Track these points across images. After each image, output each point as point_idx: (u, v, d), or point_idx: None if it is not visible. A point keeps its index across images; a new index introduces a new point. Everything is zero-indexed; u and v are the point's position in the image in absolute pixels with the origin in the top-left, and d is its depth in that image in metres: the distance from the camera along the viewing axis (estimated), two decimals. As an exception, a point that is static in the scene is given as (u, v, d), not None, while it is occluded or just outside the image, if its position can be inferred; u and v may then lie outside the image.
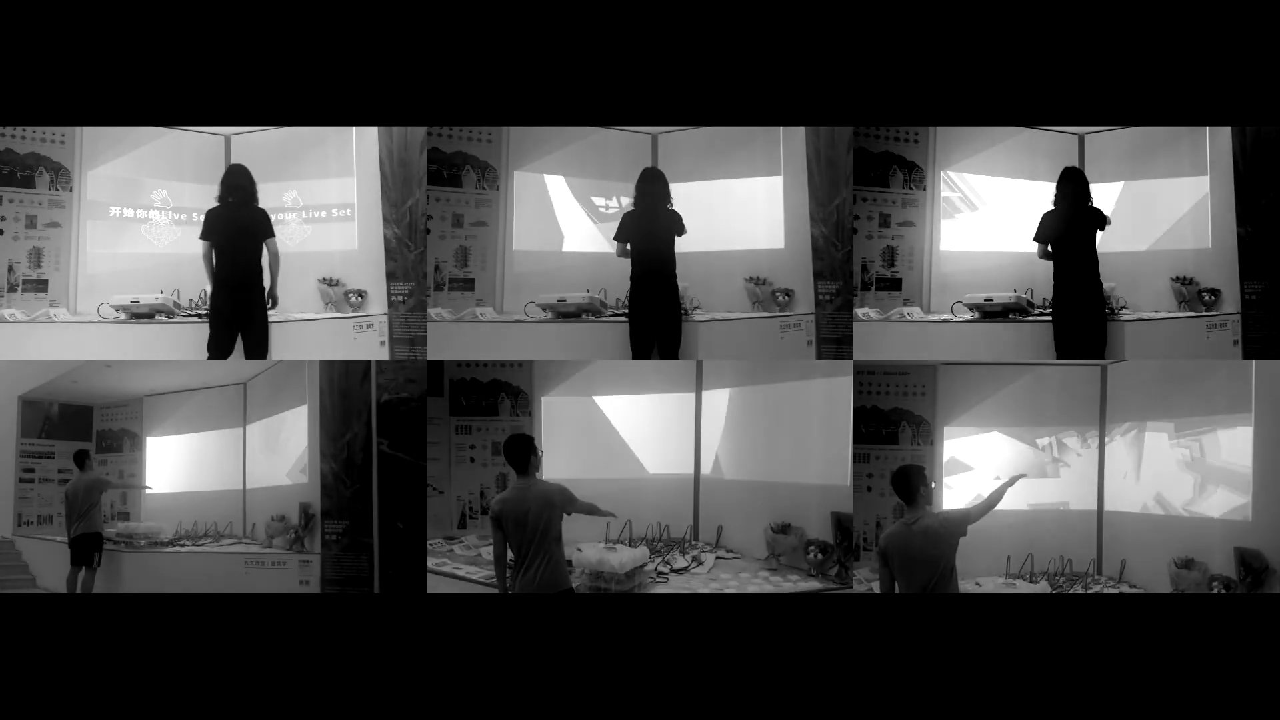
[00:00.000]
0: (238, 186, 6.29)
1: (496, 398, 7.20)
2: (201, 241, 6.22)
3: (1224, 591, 5.46)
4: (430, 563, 5.93)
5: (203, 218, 6.28)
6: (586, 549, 5.76)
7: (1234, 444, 5.68)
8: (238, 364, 6.77)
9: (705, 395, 6.99)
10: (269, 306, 6.26)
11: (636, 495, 6.88)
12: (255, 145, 7.04)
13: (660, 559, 6.26)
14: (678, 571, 6.08)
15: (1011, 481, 5.19)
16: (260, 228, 6.28)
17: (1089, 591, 6.07)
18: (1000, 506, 5.14)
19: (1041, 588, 6.05)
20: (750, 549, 6.43)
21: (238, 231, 6.23)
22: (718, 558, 6.42)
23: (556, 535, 4.87)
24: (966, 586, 5.84)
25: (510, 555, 4.89)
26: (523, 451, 4.96)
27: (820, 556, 5.85)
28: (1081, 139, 7.12)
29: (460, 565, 6.20)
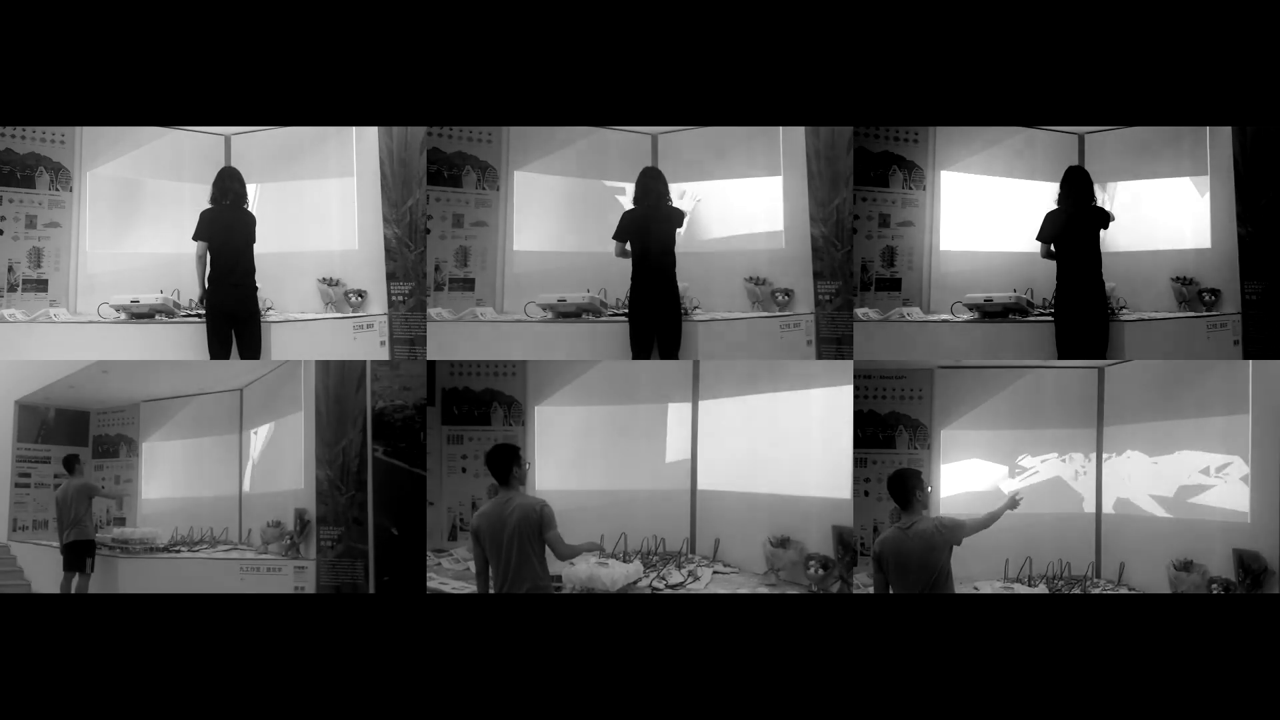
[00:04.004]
0: (230, 189, 6.34)
1: (489, 406, 7.18)
2: (196, 242, 6.23)
3: (1223, 593, 5.45)
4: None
5: (196, 219, 6.30)
6: (578, 563, 5.71)
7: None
8: (235, 370, 6.79)
9: (702, 404, 6.96)
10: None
11: (631, 507, 6.88)
12: (255, 145, 7.04)
13: (655, 574, 6.21)
14: (673, 587, 6.00)
15: (1011, 503, 5.19)
16: (251, 230, 6.32)
17: (1088, 594, 6.07)
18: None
19: (1040, 591, 6.04)
20: (749, 563, 6.39)
21: (234, 232, 6.27)
22: (715, 572, 6.35)
23: (540, 554, 4.70)
24: (964, 590, 5.84)
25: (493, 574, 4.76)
26: (505, 462, 4.80)
27: (821, 572, 5.81)
28: (1081, 139, 7.13)
29: (447, 580, 6.18)
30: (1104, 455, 6.43)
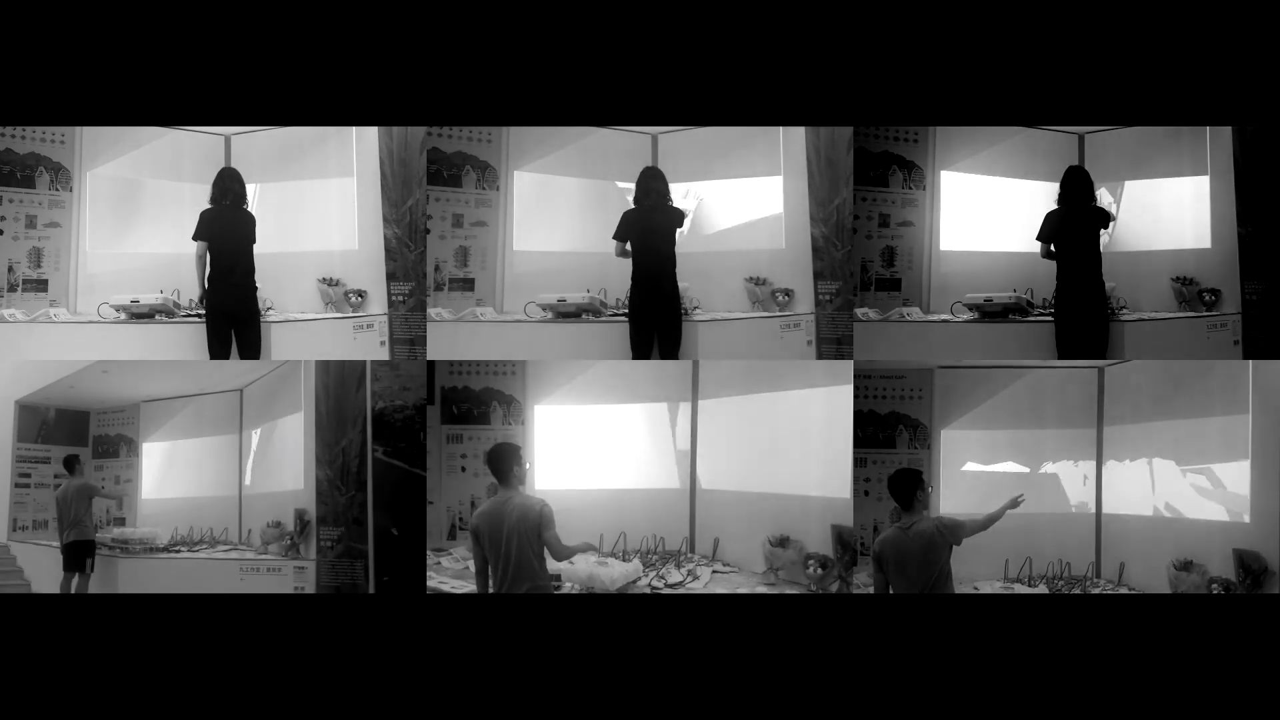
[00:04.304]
0: (230, 189, 6.36)
1: (489, 406, 7.18)
2: (196, 242, 6.24)
3: (1223, 593, 5.44)
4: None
5: (197, 218, 6.31)
6: (577, 562, 5.69)
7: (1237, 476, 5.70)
8: (235, 370, 6.79)
9: (702, 404, 6.97)
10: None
11: (630, 506, 6.89)
12: (255, 145, 7.05)
13: (654, 573, 6.20)
14: (672, 587, 5.99)
15: (1012, 503, 5.17)
16: (251, 230, 6.34)
17: (1088, 594, 6.06)
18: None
19: (1040, 591, 6.04)
20: (748, 563, 6.39)
21: (234, 232, 6.29)
22: (714, 572, 6.35)
23: (539, 554, 4.67)
24: (964, 590, 5.84)
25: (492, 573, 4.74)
26: (505, 461, 4.77)
27: (820, 571, 5.81)
28: (1081, 139, 7.13)
29: (447, 579, 6.17)
30: (1120, 460, 6.41)
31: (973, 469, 6.54)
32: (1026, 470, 6.51)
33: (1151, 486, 6.14)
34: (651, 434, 7.08)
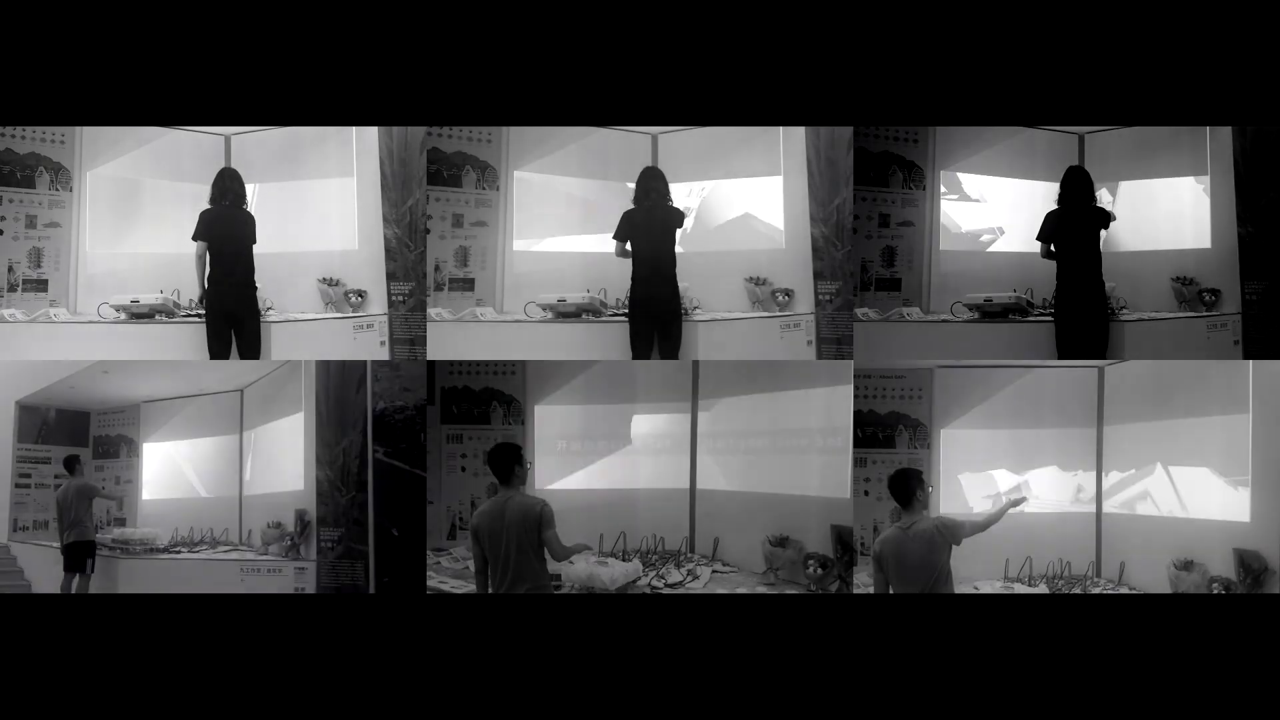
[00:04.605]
0: (230, 189, 6.38)
1: (489, 406, 7.18)
2: (196, 242, 6.25)
3: (1223, 593, 5.44)
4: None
5: (196, 219, 6.32)
6: (577, 562, 5.70)
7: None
8: (235, 370, 6.78)
9: (702, 404, 6.96)
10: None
11: (630, 506, 6.88)
12: (255, 145, 7.04)
13: (654, 573, 6.21)
14: (672, 586, 6.00)
15: (1013, 503, 5.18)
16: (251, 230, 6.36)
17: (1088, 593, 6.06)
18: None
19: (1040, 591, 6.04)
20: (748, 562, 6.38)
21: (234, 232, 6.30)
22: (714, 571, 6.35)
23: (539, 554, 4.68)
24: (964, 590, 5.84)
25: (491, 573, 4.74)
26: (506, 461, 4.78)
27: (820, 571, 5.80)
28: (1081, 139, 7.12)
29: (446, 579, 6.18)
30: (1120, 461, 6.42)
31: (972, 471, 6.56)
32: (1026, 476, 6.52)
33: (1152, 487, 6.16)
34: (651, 434, 7.07)
